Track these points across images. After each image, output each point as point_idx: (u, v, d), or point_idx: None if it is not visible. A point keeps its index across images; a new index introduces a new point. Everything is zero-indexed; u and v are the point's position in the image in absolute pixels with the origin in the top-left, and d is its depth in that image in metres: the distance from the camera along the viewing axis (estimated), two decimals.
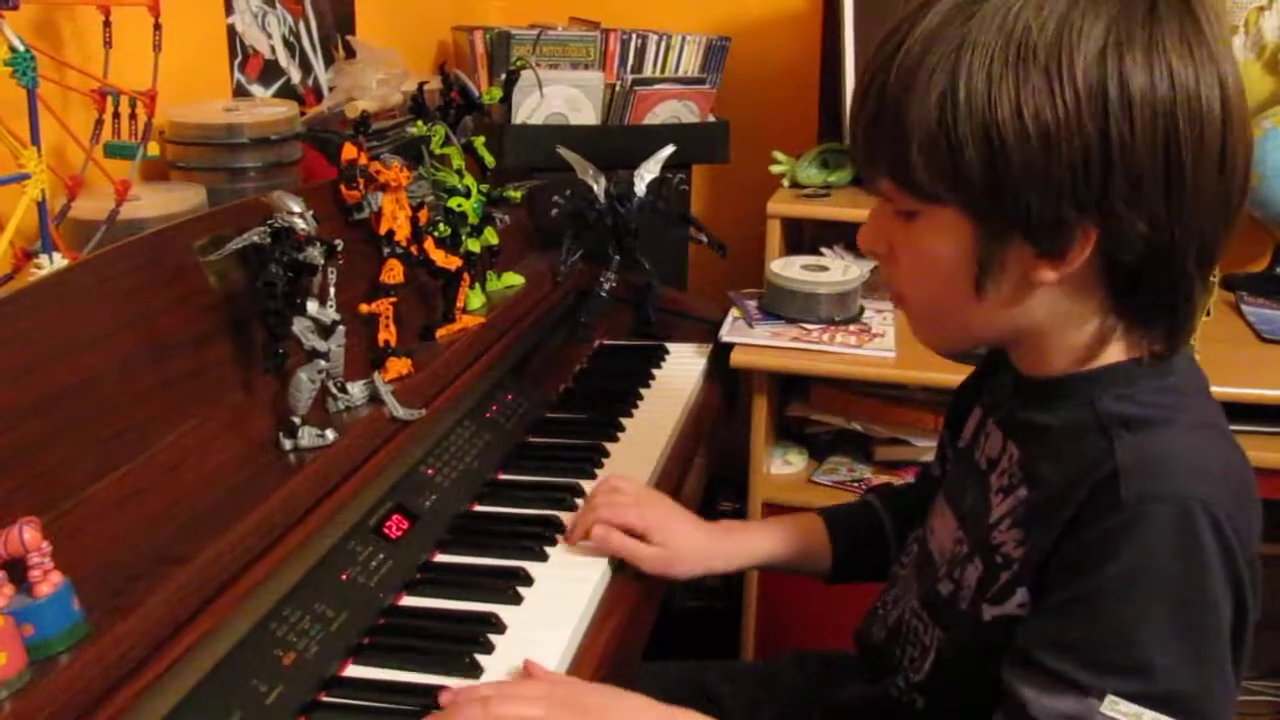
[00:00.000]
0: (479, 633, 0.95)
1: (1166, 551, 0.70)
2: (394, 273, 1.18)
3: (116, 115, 1.18)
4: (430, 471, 1.17)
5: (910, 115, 0.72)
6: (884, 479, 1.80)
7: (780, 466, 1.87)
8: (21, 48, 0.99)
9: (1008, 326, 0.79)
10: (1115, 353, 0.78)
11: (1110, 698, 0.70)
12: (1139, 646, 0.70)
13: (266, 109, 1.38)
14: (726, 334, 1.68)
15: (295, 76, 1.67)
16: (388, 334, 1.17)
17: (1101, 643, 0.71)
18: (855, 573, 1.13)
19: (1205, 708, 0.70)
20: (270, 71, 1.61)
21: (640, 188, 1.65)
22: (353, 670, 0.92)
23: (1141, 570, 0.70)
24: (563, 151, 1.65)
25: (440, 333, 1.29)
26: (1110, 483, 0.72)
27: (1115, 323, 0.77)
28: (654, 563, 1.07)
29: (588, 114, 1.93)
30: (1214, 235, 0.73)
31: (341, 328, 1.03)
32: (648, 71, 1.99)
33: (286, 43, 1.65)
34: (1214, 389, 0.83)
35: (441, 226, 1.31)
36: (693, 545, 1.09)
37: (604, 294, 1.62)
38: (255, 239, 0.97)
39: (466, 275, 1.33)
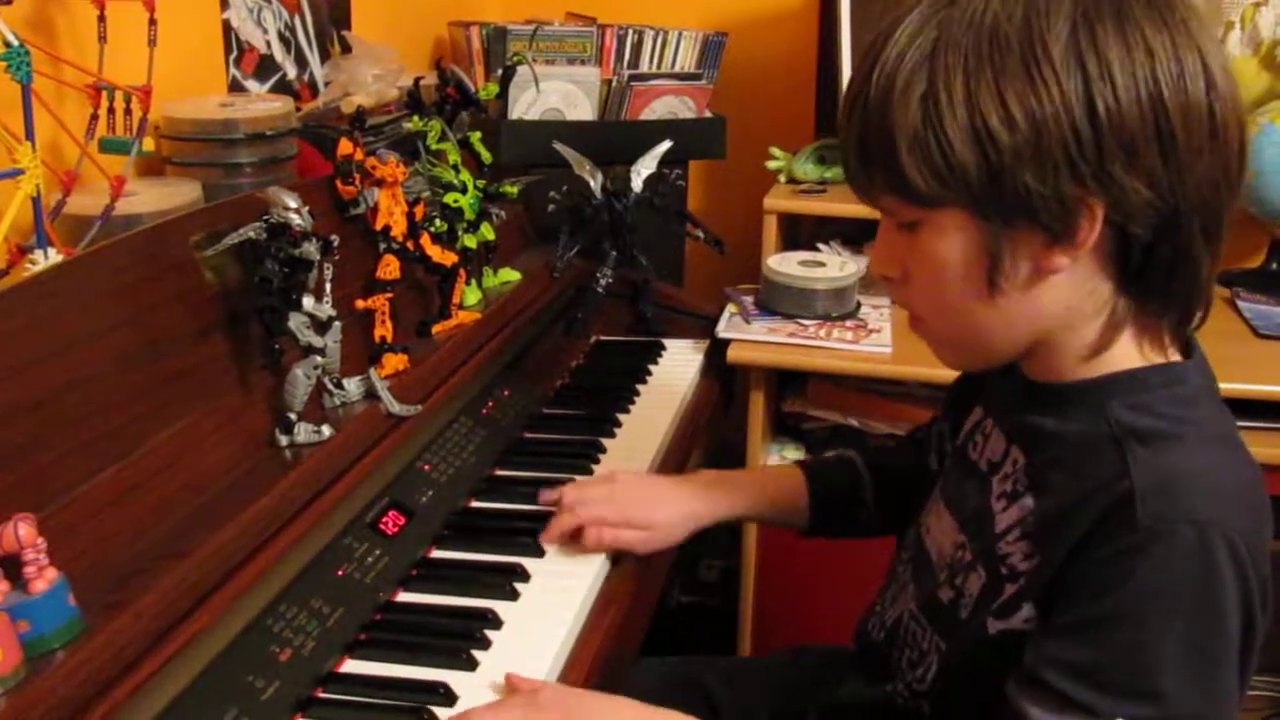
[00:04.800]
0: (476, 629, 0.95)
1: (1181, 575, 0.69)
2: (390, 268, 1.18)
3: (111, 110, 1.18)
4: (426, 467, 1.17)
5: (895, 122, 0.72)
6: None
7: (777, 462, 1.87)
8: (16, 42, 0.99)
9: (1024, 329, 0.78)
10: (1125, 352, 0.78)
11: None
12: (1150, 671, 0.70)
13: (262, 104, 1.38)
14: (723, 330, 1.68)
15: (291, 72, 1.67)
16: (384, 330, 1.16)
17: (1112, 666, 0.71)
18: (830, 530, 1.14)
19: None
20: (266, 67, 1.61)
21: (637, 183, 1.65)
22: (349, 666, 0.92)
23: (1155, 594, 0.70)
24: (559, 147, 1.65)
25: (436, 329, 1.29)
26: (1125, 502, 0.71)
27: (1126, 311, 0.76)
28: (645, 545, 1.08)
29: (584, 109, 1.92)
30: (1216, 206, 0.73)
31: (338, 323, 1.03)
32: (644, 67, 1.99)
33: (282, 38, 1.65)
34: None
35: (438, 222, 1.31)
36: (674, 516, 1.10)
37: (601, 290, 1.62)
38: (251, 235, 0.97)
39: (463, 271, 1.32)
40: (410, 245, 1.22)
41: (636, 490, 1.12)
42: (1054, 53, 0.69)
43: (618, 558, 1.09)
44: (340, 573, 0.98)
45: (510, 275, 1.50)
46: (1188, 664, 0.70)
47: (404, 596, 1.02)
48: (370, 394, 1.09)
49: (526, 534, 1.11)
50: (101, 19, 1.17)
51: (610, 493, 1.10)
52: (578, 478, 1.20)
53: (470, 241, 1.35)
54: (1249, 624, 0.71)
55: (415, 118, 1.37)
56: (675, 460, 1.36)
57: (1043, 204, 0.71)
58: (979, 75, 0.70)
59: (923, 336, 0.86)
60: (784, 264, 1.74)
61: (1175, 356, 0.79)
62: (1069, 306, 0.76)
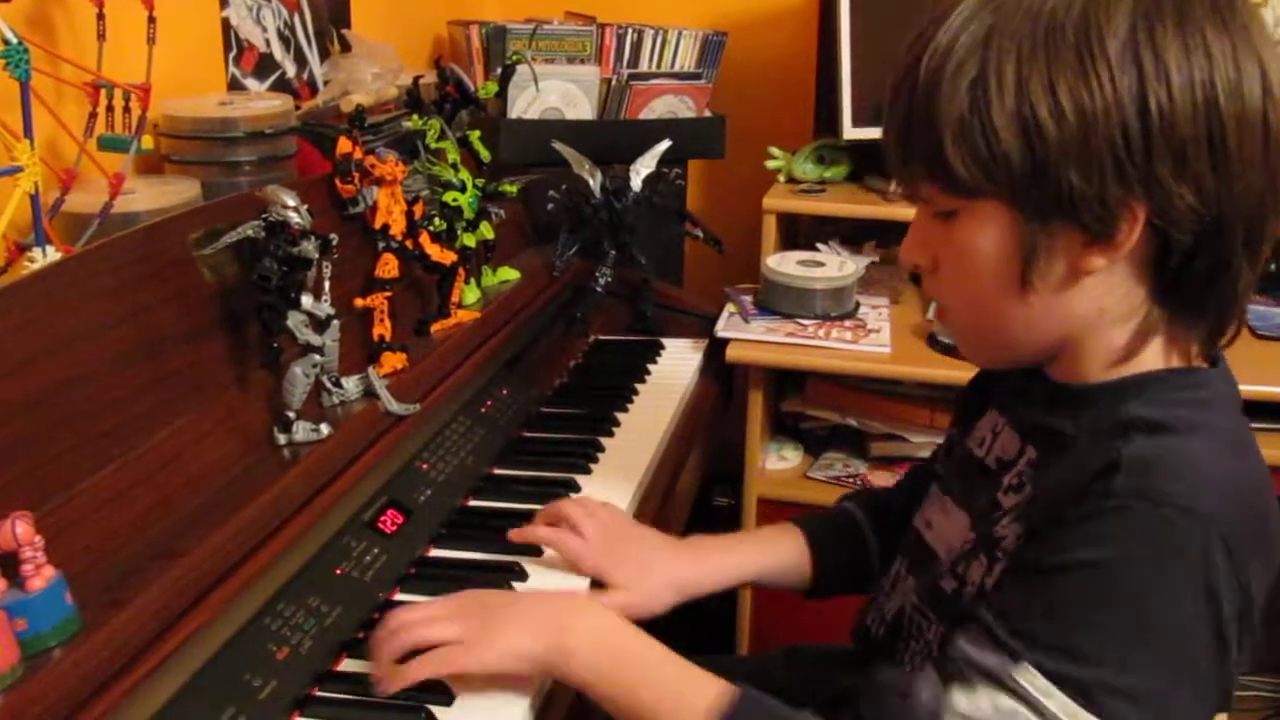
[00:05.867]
0: None
1: (1138, 551, 0.68)
2: (389, 267, 1.18)
3: (110, 108, 1.18)
4: (425, 466, 1.17)
5: (941, 107, 0.71)
6: (880, 474, 1.80)
7: (776, 462, 1.87)
8: (15, 40, 0.99)
9: (1053, 329, 0.77)
10: (1154, 357, 0.77)
11: (1027, 667, 0.69)
12: (1072, 628, 0.69)
13: (261, 103, 1.38)
14: (722, 329, 1.68)
15: (290, 70, 1.67)
16: (382, 328, 1.16)
17: (1037, 613, 0.71)
18: (836, 588, 1.10)
19: (1126, 709, 0.68)
20: (265, 65, 1.61)
21: (636, 183, 1.65)
22: (347, 665, 0.92)
23: (1106, 560, 0.69)
24: (558, 146, 1.65)
25: (435, 327, 1.29)
26: (1108, 472, 0.70)
27: (1158, 319, 0.75)
28: (623, 611, 0.97)
29: (583, 109, 1.92)
30: (1262, 218, 0.72)
31: (336, 322, 1.03)
32: (644, 66, 1.99)
33: (281, 36, 1.65)
34: None
35: (437, 221, 1.31)
36: (662, 584, 1.01)
37: (599, 289, 1.62)
38: (250, 233, 0.97)
39: (462, 270, 1.32)
40: (409, 244, 1.22)
41: (623, 549, 1.03)
42: (1110, 48, 0.68)
43: None
44: (339, 571, 0.98)
45: (509, 274, 1.50)
46: (1115, 634, 0.68)
47: (401, 596, 1.02)
48: (369, 392, 1.09)
49: None
50: (100, 17, 1.17)
51: (596, 550, 1.02)
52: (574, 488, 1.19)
53: (469, 240, 1.35)
54: (1217, 634, 0.69)
55: (414, 116, 1.37)
56: (674, 460, 1.36)
57: (1084, 203, 0.70)
58: (1031, 64, 0.69)
59: (949, 329, 0.85)
60: (783, 264, 1.74)
61: (1200, 364, 0.79)
62: (1101, 309, 0.75)
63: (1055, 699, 0.68)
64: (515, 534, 1.07)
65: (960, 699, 0.72)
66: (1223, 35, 0.69)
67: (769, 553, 1.09)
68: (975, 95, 0.70)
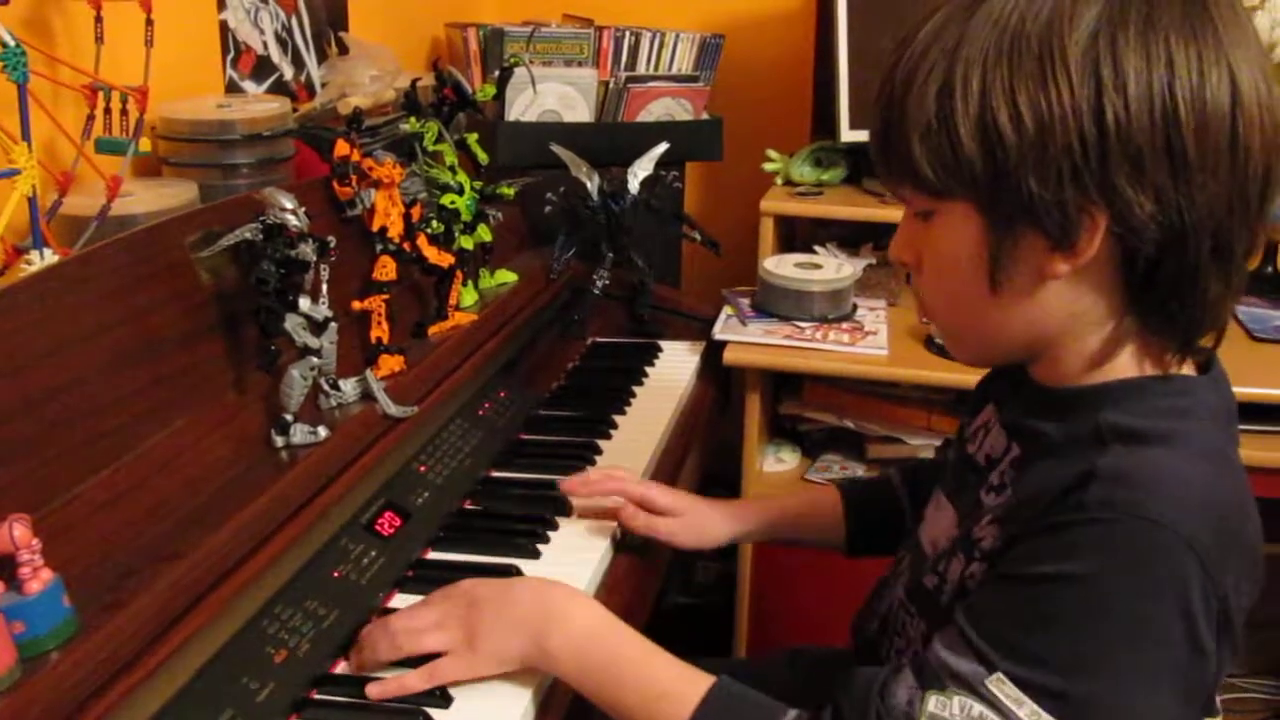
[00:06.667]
0: None
1: (1111, 563, 0.68)
2: (387, 270, 1.18)
3: (108, 111, 1.18)
4: (422, 469, 1.17)
5: (911, 113, 0.74)
6: None
7: (773, 464, 1.87)
8: (12, 43, 0.99)
9: (1025, 331, 0.78)
10: (1127, 364, 0.77)
11: (999, 676, 0.70)
12: (1043, 637, 0.70)
13: (259, 105, 1.38)
14: (719, 332, 1.68)
15: (288, 73, 1.67)
16: (380, 331, 1.16)
17: (1010, 621, 0.71)
18: (870, 546, 1.15)
19: (1096, 718, 0.69)
20: (263, 67, 1.61)
21: (633, 185, 1.65)
22: (344, 668, 0.91)
23: (1080, 572, 0.69)
24: (556, 149, 1.65)
25: (433, 330, 1.29)
26: (1082, 483, 0.71)
27: (1130, 325, 0.76)
28: (685, 533, 1.11)
29: (581, 111, 1.92)
30: (1230, 228, 0.72)
31: (334, 325, 1.03)
32: (641, 69, 1.99)
33: (279, 39, 1.65)
34: None
35: (434, 223, 1.31)
36: (710, 516, 1.13)
37: (597, 291, 1.62)
38: (247, 236, 0.97)
39: (459, 272, 1.32)
40: (407, 246, 1.22)
41: (674, 490, 1.15)
42: (1071, 57, 0.69)
43: (613, 563, 1.10)
44: (336, 574, 0.98)
45: (507, 277, 1.50)
46: (1091, 646, 0.69)
47: (399, 599, 1.02)
48: (366, 395, 1.09)
49: (522, 535, 1.12)
50: (98, 19, 1.17)
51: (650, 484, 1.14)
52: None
53: (467, 243, 1.35)
54: (1193, 645, 0.69)
55: (412, 119, 1.37)
56: (672, 462, 1.36)
57: (1044, 209, 0.71)
58: (995, 72, 0.71)
59: (934, 325, 0.87)
60: (780, 266, 1.74)
61: (1188, 371, 0.79)
62: (1072, 314, 0.76)
63: (1025, 707, 0.69)
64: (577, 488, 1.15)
65: (933, 702, 0.73)
66: (1190, 44, 0.69)
67: (805, 505, 1.19)
68: (942, 102, 0.72)
